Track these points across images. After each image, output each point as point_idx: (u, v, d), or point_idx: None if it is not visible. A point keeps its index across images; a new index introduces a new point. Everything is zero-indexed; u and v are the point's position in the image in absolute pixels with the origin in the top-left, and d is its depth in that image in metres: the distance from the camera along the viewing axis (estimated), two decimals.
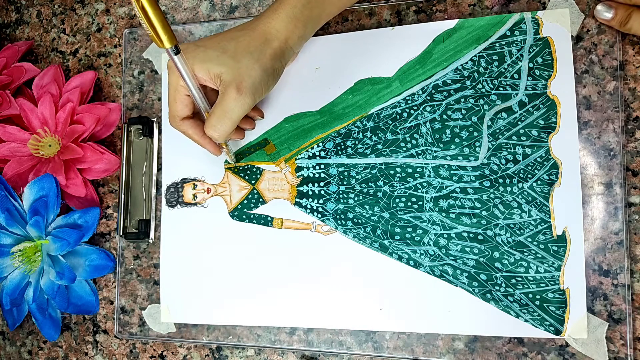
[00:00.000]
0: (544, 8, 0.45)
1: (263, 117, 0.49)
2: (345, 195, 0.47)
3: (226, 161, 0.50)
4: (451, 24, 0.46)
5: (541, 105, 0.44)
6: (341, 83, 0.48)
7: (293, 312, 0.47)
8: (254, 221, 0.49)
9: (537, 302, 0.42)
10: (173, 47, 0.36)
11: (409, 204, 0.45)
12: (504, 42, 0.45)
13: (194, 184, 0.51)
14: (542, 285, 0.42)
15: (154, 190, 0.52)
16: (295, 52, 0.42)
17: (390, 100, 0.47)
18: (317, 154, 0.48)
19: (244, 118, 0.46)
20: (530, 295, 0.42)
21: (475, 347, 0.43)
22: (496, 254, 0.43)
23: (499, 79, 0.45)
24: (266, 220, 0.49)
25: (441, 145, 0.45)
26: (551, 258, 0.42)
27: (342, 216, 0.47)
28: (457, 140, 0.45)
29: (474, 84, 0.45)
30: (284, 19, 0.40)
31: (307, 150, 0.48)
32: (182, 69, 0.38)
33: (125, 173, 0.52)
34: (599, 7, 0.42)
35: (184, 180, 0.51)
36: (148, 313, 0.51)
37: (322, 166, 0.48)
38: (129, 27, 0.55)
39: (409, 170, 0.46)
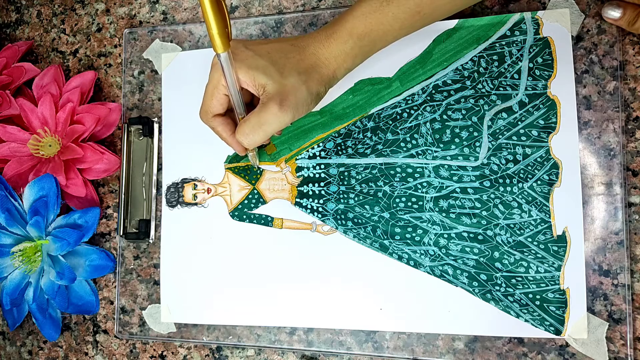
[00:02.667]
0: (544, 8, 0.45)
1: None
2: (345, 195, 0.47)
3: (226, 161, 0.50)
4: (451, 24, 0.46)
5: (541, 105, 0.44)
6: (341, 83, 0.48)
7: (293, 312, 0.47)
8: (254, 221, 0.49)
9: (537, 302, 0.42)
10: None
11: (409, 204, 0.45)
12: (504, 42, 0.45)
13: (194, 184, 0.51)
14: (542, 285, 0.42)
15: (154, 190, 0.52)
16: (339, 80, 0.42)
17: (390, 101, 0.47)
18: (317, 154, 0.48)
19: None
20: (531, 295, 0.42)
21: (476, 347, 0.43)
22: (496, 254, 0.43)
23: (499, 79, 0.45)
24: (266, 220, 0.49)
25: (441, 145, 0.45)
26: (551, 258, 0.42)
27: (343, 216, 0.47)
28: (457, 140, 0.45)
29: (474, 84, 0.45)
30: (334, 51, 0.40)
31: (308, 151, 0.49)
32: (227, 72, 0.37)
33: (126, 173, 0.52)
34: (607, 6, 0.42)
35: (184, 180, 0.51)
36: (148, 313, 0.51)
37: (322, 166, 0.48)
38: (129, 27, 0.55)
39: (409, 170, 0.46)
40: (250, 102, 0.43)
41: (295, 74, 0.39)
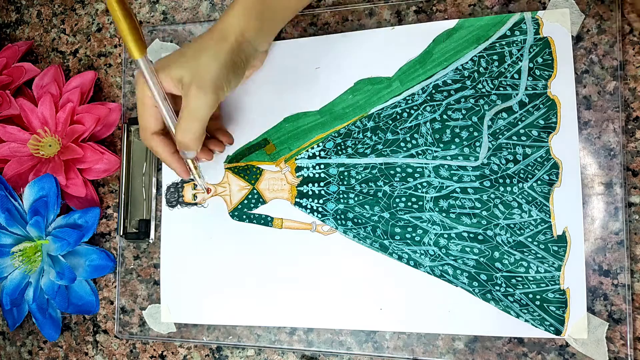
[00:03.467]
0: (544, 8, 0.45)
1: (232, 143, 0.49)
2: (345, 195, 0.47)
3: (226, 161, 0.50)
4: (451, 24, 0.46)
5: (541, 105, 0.44)
6: (341, 83, 0.48)
7: (293, 312, 0.47)
8: (254, 221, 0.49)
9: (537, 302, 0.42)
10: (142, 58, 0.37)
11: (409, 204, 0.45)
12: (504, 42, 0.45)
13: (194, 184, 0.51)
14: (542, 285, 0.42)
15: (154, 190, 0.52)
16: (257, 49, 0.42)
17: (390, 100, 0.47)
18: (317, 154, 0.48)
19: (212, 139, 0.47)
20: (531, 295, 0.42)
21: (476, 347, 0.43)
22: (496, 254, 0.43)
23: (499, 79, 0.45)
24: (266, 220, 0.49)
25: (441, 145, 0.45)
26: (551, 258, 0.42)
27: (342, 216, 0.47)
28: (457, 140, 0.45)
29: (474, 84, 0.45)
30: (237, 12, 0.40)
31: (307, 150, 0.48)
32: (148, 77, 0.38)
33: (125, 173, 0.52)
34: None
35: (184, 180, 0.51)
36: (148, 313, 0.51)
37: (322, 166, 0.48)
38: None
39: (409, 170, 0.46)
40: None
41: (204, 53, 0.39)
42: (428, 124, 0.46)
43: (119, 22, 0.34)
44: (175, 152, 0.43)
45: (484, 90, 0.45)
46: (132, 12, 0.35)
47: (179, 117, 0.40)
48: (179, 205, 0.51)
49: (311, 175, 0.48)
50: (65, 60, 0.58)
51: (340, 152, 0.48)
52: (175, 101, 0.41)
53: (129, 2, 0.56)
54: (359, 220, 0.46)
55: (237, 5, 0.40)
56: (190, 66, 0.38)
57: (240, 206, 0.49)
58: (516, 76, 0.44)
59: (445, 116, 0.45)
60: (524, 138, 0.44)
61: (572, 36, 0.44)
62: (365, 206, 0.46)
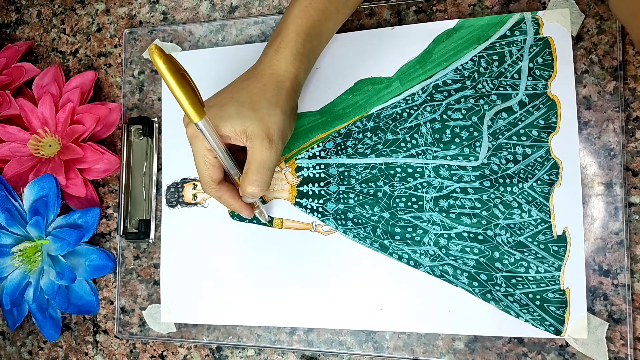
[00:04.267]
0: (544, 8, 0.45)
1: None
2: (345, 195, 0.47)
3: None
4: (451, 24, 0.46)
5: (541, 105, 0.44)
6: (341, 83, 0.48)
7: (293, 312, 0.47)
8: (254, 221, 0.49)
9: (538, 302, 0.42)
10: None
11: (409, 204, 0.45)
12: (504, 42, 0.45)
13: (194, 183, 0.51)
14: (542, 285, 0.42)
15: (154, 190, 0.52)
16: (302, 85, 0.43)
17: (390, 100, 0.47)
18: (317, 154, 0.48)
19: None
20: (531, 295, 0.42)
21: (476, 347, 0.43)
22: (496, 254, 0.43)
23: (499, 79, 0.45)
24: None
25: (441, 145, 0.45)
26: (551, 258, 0.42)
27: (342, 216, 0.47)
28: (457, 140, 0.45)
29: (474, 84, 0.45)
30: (288, 57, 0.40)
31: (307, 150, 0.48)
32: (210, 137, 0.36)
33: (126, 173, 0.52)
34: None
35: (184, 180, 0.51)
36: (148, 313, 0.51)
37: (322, 166, 0.48)
38: (129, 27, 0.55)
39: (409, 170, 0.46)
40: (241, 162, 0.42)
41: (265, 103, 0.38)
42: (428, 124, 0.46)
43: (172, 89, 0.32)
44: (239, 196, 0.42)
45: (484, 90, 0.45)
46: (186, 72, 0.32)
47: (246, 169, 0.39)
48: (179, 205, 0.51)
49: (311, 175, 0.48)
50: (65, 60, 0.58)
51: (340, 152, 0.48)
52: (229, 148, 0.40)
53: (129, 1, 0.56)
54: (359, 220, 0.46)
55: (286, 50, 0.40)
56: (252, 117, 0.38)
57: None
58: (516, 76, 0.44)
59: (445, 116, 0.46)
60: (524, 138, 0.44)
61: (572, 36, 0.44)
62: (365, 206, 0.46)
